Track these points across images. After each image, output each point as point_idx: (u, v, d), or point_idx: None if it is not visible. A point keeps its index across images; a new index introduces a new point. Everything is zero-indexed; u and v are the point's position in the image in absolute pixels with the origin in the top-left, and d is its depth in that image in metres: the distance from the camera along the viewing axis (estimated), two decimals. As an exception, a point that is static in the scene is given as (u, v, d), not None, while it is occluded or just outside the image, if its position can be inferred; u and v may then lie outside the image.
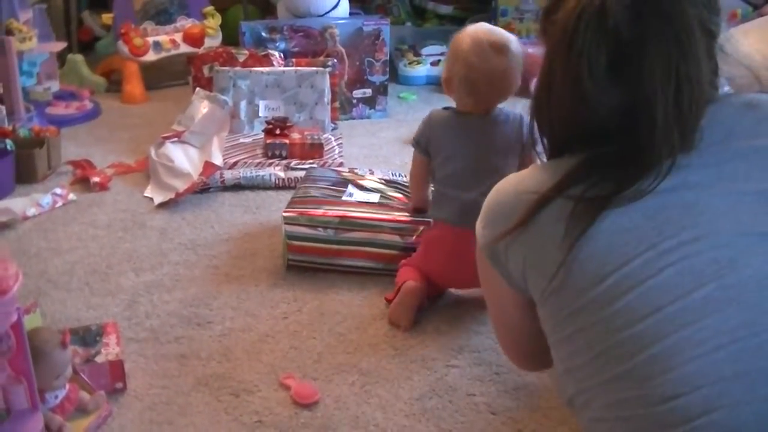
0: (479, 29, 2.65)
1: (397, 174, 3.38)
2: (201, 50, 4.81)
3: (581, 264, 1.44)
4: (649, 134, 1.40)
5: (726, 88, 1.56)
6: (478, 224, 1.66)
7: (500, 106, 2.72)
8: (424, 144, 2.76)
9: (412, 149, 2.84)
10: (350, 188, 3.15)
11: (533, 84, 4.73)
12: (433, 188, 2.85)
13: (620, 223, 1.42)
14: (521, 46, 2.67)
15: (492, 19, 5.45)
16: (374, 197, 3.10)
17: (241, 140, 4.07)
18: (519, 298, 1.64)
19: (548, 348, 1.59)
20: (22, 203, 3.43)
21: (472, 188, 2.63)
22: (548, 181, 1.49)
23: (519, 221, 1.50)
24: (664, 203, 1.42)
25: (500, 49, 2.60)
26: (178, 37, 5.15)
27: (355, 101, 4.69)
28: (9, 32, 4.13)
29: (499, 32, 2.65)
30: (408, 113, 4.80)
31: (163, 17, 5.21)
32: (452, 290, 2.83)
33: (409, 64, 5.30)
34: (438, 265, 2.74)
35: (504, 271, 1.61)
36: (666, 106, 1.38)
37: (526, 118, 2.64)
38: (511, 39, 2.65)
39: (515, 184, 1.60)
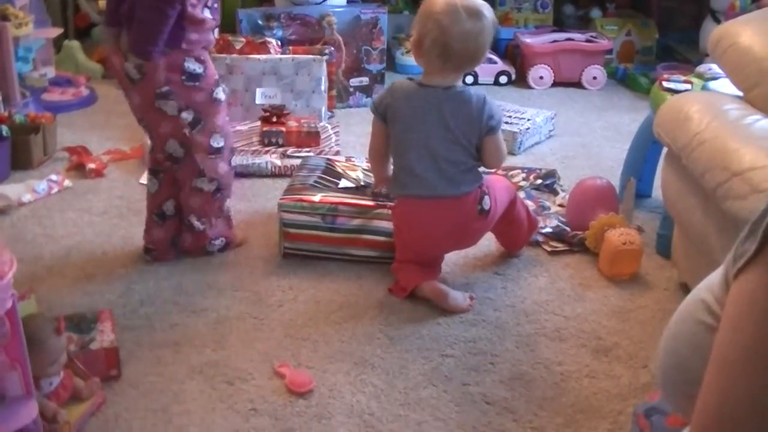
0: None
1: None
2: (198, 37, 4.80)
3: None
4: None
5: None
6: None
7: (461, 84, 2.71)
8: (382, 110, 2.73)
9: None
10: (343, 181, 3.14)
11: (530, 73, 4.72)
12: (392, 164, 2.82)
13: None
14: (492, 14, 2.65)
15: (490, 9, 5.45)
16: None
17: (238, 128, 4.06)
18: None
19: None
20: (17, 189, 3.43)
21: (440, 162, 2.66)
22: None
23: None
24: None
25: (474, 12, 2.58)
26: (175, 23, 5.13)
27: (351, 89, 4.69)
28: (5, 18, 4.11)
29: (475, 0, 2.63)
30: (405, 102, 4.78)
31: (160, 4, 5.19)
32: (451, 282, 2.84)
33: (407, 52, 5.27)
34: (418, 238, 2.77)
35: None
36: None
37: (492, 101, 2.64)
38: (484, 5, 2.63)
39: None
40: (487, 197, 2.73)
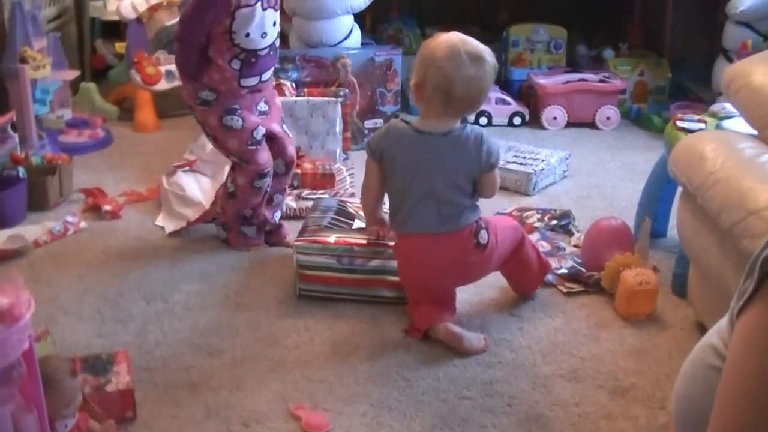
0: (454, 37, 2.64)
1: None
2: (213, 79, 4.83)
3: None
4: None
5: None
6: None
7: (459, 125, 2.70)
8: (378, 153, 2.73)
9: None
10: (357, 222, 3.14)
11: (544, 114, 4.72)
12: (388, 203, 2.84)
13: None
14: (493, 58, 2.67)
15: (503, 50, 5.47)
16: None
17: (253, 169, 4.07)
18: None
19: None
20: (33, 230, 3.44)
21: (437, 202, 2.67)
22: None
23: None
24: None
25: (476, 57, 2.60)
26: (190, 65, 5.17)
27: (366, 131, 4.69)
28: (23, 60, 4.15)
29: (474, 42, 2.65)
30: (419, 143, 4.78)
31: (176, 46, 5.22)
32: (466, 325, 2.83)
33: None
34: (420, 274, 2.77)
35: None
36: None
37: (488, 137, 2.66)
38: (486, 49, 2.65)
39: None
40: (483, 231, 2.73)
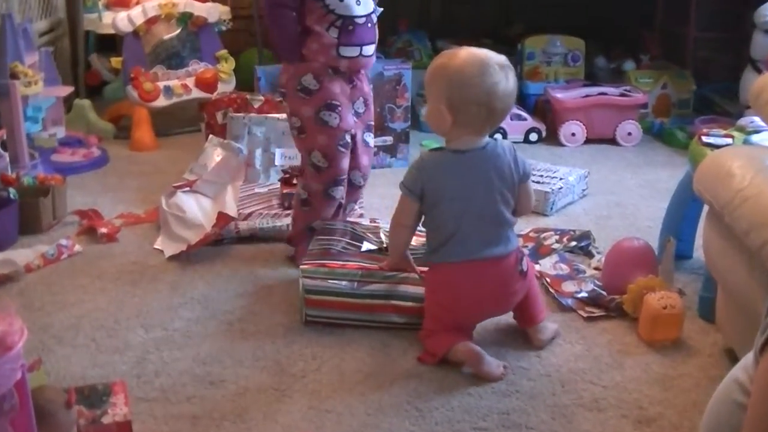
0: (477, 52, 2.67)
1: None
2: (214, 96, 4.85)
3: None
4: None
5: None
6: None
7: (489, 140, 2.75)
8: (418, 191, 2.73)
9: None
10: (366, 244, 3.14)
11: (561, 130, 4.72)
12: (431, 233, 2.81)
13: None
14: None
15: (518, 63, 5.48)
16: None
17: (257, 190, 4.07)
18: None
19: None
20: (25, 255, 3.44)
21: (486, 223, 2.69)
22: None
23: None
24: None
25: (504, 66, 2.66)
26: (190, 81, 5.19)
27: (375, 149, 4.67)
28: (14, 76, 4.16)
29: (495, 53, 2.70)
30: (430, 161, 4.77)
31: (175, 61, 5.24)
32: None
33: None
34: (459, 304, 2.75)
35: None
36: None
37: (517, 151, 2.73)
38: (506, 58, 2.70)
39: None
40: (525, 258, 2.78)
